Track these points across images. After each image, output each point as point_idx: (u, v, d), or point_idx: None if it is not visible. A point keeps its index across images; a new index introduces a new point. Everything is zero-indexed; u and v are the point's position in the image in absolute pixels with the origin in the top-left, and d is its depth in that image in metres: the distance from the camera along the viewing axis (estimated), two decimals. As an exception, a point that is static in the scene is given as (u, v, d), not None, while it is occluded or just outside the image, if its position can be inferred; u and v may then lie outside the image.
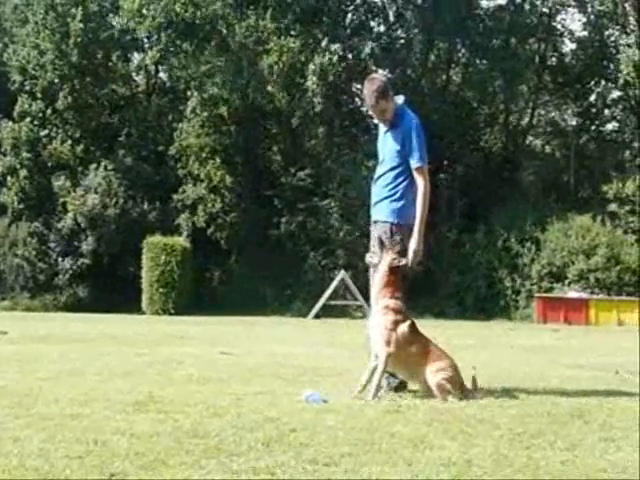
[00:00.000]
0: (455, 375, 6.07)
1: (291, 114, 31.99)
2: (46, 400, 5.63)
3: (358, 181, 29.41)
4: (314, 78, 30.38)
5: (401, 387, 6.50)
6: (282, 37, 31.03)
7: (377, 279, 6.39)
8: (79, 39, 31.08)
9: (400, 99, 6.75)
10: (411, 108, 6.83)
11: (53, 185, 31.10)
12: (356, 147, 31.94)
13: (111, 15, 33.61)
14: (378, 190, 6.73)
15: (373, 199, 6.79)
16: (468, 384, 6.12)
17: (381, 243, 6.47)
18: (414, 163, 6.52)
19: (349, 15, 34.35)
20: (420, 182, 6.52)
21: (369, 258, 6.57)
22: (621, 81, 31.82)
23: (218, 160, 31.18)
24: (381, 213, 6.66)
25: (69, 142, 31.68)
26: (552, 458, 4.04)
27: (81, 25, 30.89)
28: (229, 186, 31.34)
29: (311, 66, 30.48)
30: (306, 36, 32.08)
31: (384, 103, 6.65)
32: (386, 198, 6.62)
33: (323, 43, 30.83)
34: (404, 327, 6.17)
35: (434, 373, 5.99)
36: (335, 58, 30.57)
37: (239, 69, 30.99)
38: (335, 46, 30.58)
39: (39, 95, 31.89)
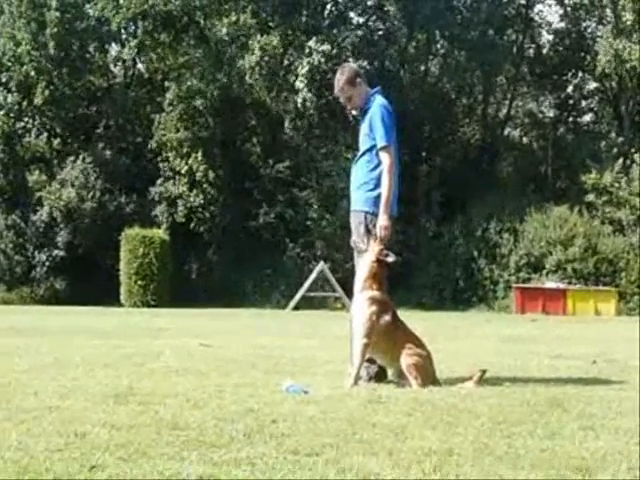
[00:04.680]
0: (428, 365, 6.26)
1: (274, 109, 31.95)
2: (25, 393, 5.60)
3: (337, 173, 29.43)
4: (304, 80, 30.33)
5: (381, 376, 6.52)
6: (263, 35, 30.81)
7: (363, 267, 6.42)
8: (55, 30, 30.67)
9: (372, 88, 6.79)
10: (388, 97, 6.85)
11: (28, 179, 30.72)
12: (335, 139, 31.90)
13: (87, 5, 33.24)
14: (353, 177, 6.76)
15: (351, 187, 6.81)
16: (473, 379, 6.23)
17: (367, 230, 6.49)
18: (378, 143, 6.51)
19: (328, 6, 34.27)
20: (384, 159, 6.48)
21: (354, 243, 6.61)
22: (598, 71, 31.96)
23: (197, 153, 30.97)
24: (356, 202, 6.68)
25: (45, 135, 31.35)
26: (532, 446, 4.07)
27: (57, 14, 30.51)
28: (209, 179, 31.14)
29: (300, 69, 30.40)
30: (285, 28, 31.96)
31: (351, 89, 6.70)
32: (361, 186, 6.62)
33: (310, 43, 30.60)
34: (387, 317, 6.30)
35: (408, 356, 6.18)
36: (322, 58, 30.38)
37: (218, 62, 30.82)
38: (324, 47, 30.36)
39: (14, 88, 31.49)
